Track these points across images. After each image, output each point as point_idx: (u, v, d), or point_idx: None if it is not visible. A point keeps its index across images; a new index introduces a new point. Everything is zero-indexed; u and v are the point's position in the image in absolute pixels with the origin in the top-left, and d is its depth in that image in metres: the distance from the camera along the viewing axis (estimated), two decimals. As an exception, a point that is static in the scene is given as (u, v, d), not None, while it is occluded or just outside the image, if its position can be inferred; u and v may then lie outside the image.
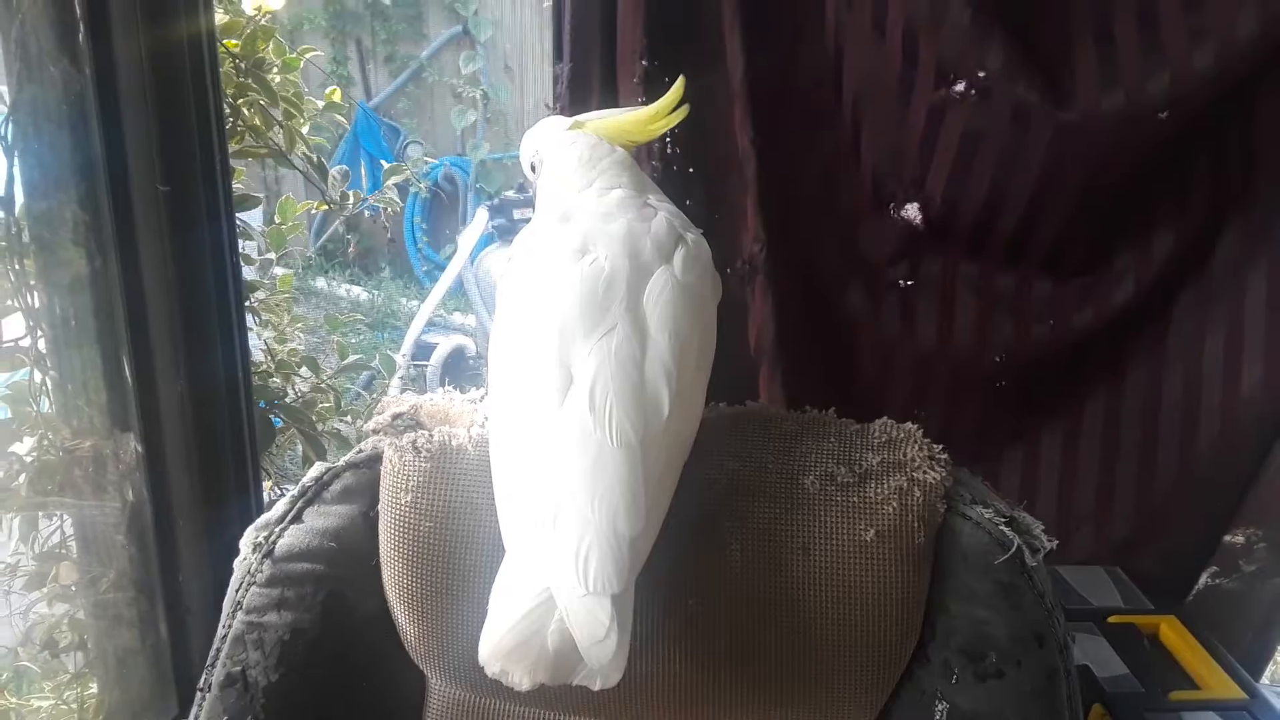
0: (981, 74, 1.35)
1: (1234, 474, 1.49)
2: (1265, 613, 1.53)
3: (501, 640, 0.73)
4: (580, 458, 0.76)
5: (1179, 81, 1.31)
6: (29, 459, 1.29)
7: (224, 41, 1.39)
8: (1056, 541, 0.91)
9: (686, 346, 0.83)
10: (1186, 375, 1.48)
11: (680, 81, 0.99)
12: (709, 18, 1.44)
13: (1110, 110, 1.33)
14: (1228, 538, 1.50)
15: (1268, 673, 1.68)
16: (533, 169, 1.04)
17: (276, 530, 0.94)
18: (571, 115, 1.42)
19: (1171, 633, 1.41)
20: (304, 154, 1.56)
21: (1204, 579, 1.53)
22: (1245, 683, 1.32)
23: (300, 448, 1.59)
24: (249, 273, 1.56)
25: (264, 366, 1.58)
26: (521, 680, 0.73)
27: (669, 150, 1.47)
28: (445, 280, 4.24)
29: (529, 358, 0.82)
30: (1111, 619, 1.43)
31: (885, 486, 0.89)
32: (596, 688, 0.74)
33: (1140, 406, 1.52)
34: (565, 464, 0.76)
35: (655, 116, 1.00)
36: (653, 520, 0.77)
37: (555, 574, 0.73)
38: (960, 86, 1.36)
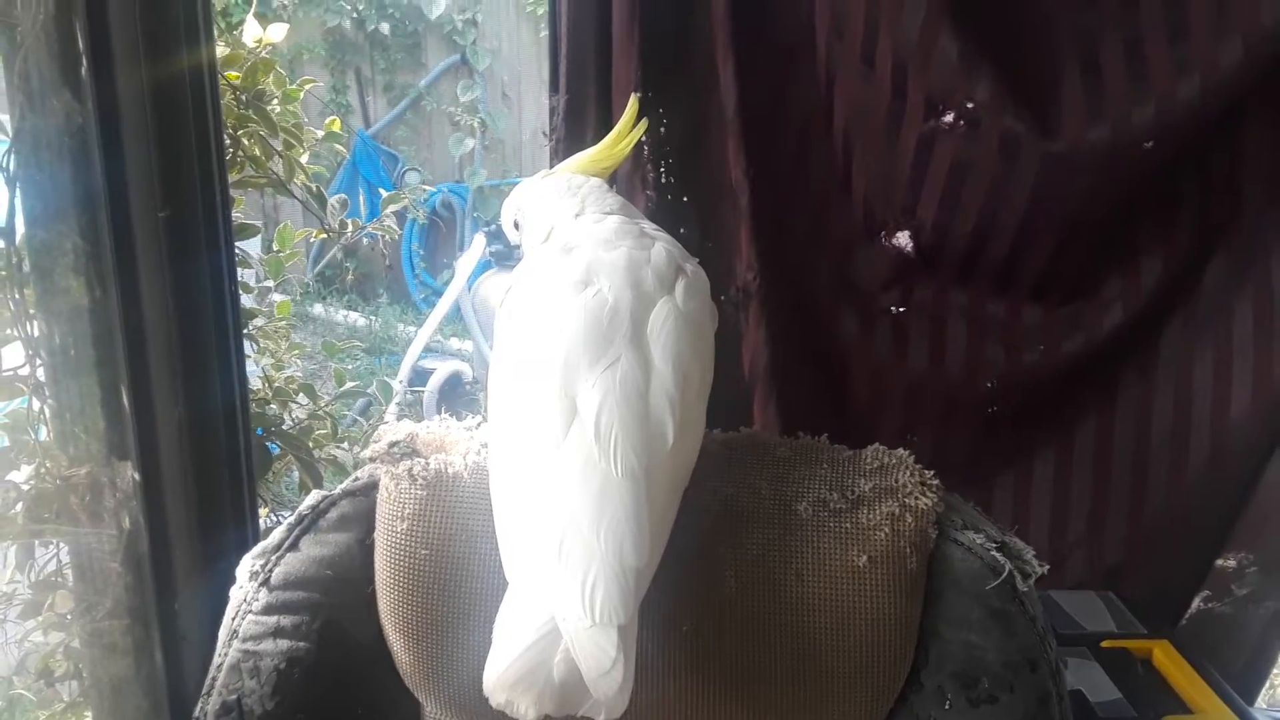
0: (970, 105, 1.37)
1: (1225, 498, 1.50)
2: (1258, 636, 1.53)
3: (507, 671, 0.74)
4: (584, 489, 0.76)
5: (1164, 111, 1.33)
6: (26, 487, 1.29)
7: (225, 74, 1.41)
8: (1048, 566, 0.91)
9: (689, 376, 0.84)
10: (1176, 401, 1.49)
11: (634, 100, 1.03)
12: (702, 50, 1.46)
13: (1097, 140, 1.35)
14: (1219, 562, 1.51)
15: (1262, 696, 1.68)
16: (516, 226, 1.05)
17: (273, 558, 0.94)
18: (567, 146, 1.46)
19: (1165, 657, 1.41)
20: (303, 183, 1.57)
21: (1197, 603, 1.54)
22: (1239, 707, 1.32)
23: (297, 474, 1.60)
24: (247, 300, 1.57)
25: (261, 394, 1.59)
26: (527, 711, 0.74)
27: (663, 180, 1.49)
28: (442, 306, 4.24)
29: (532, 389, 0.82)
30: (1105, 644, 1.43)
31: (877, 512, 0.90)
32: (602, 718, 0.75)
33: (1131, 432, 1.53)
34: (569, 495, 0.76)
35: (618, 139, 1.03)
36: (656, 549, 0.78)
37: (561, 605, 0.73)
38: (949, 117, 1.38)
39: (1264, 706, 1.69)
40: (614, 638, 0.72)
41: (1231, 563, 1.49)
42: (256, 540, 0.97)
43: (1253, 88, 1.35)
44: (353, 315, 5.66)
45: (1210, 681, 1.36)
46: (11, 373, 1.27)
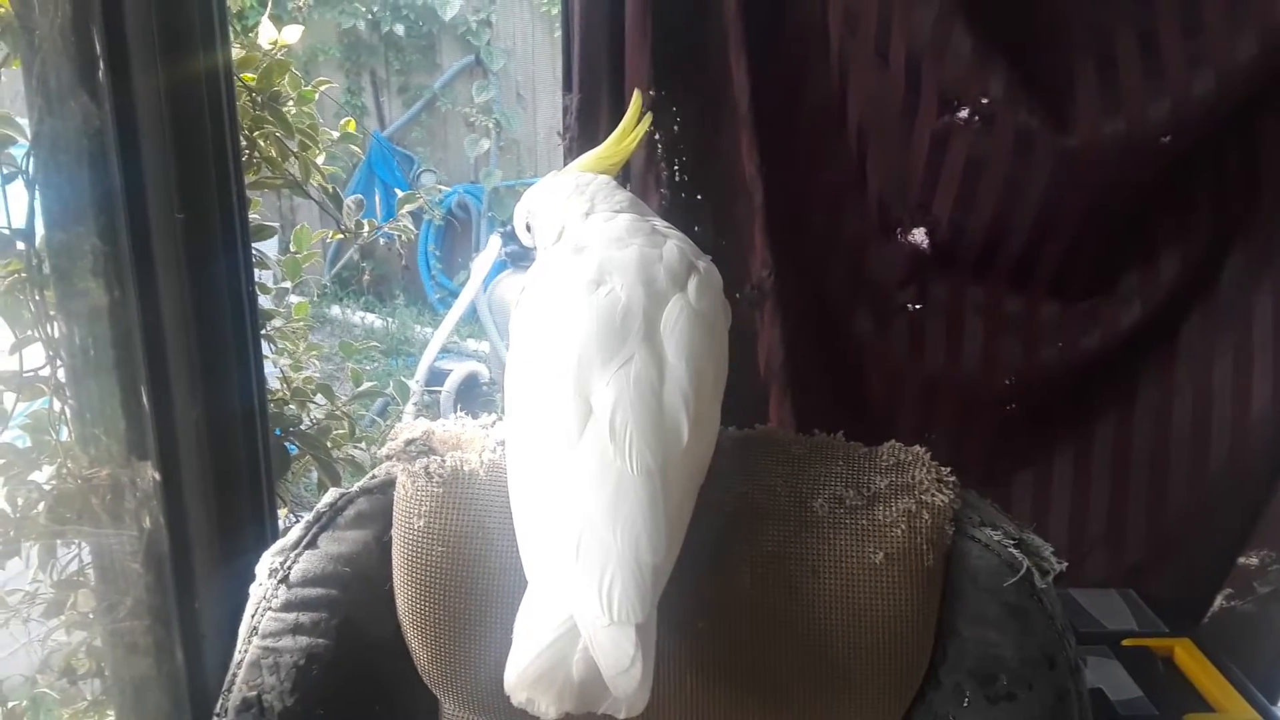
0: (984, 100, 1.36)
1: (1246, 495, 1.48)
2: (1281, 635, 1.52)
3: (527, 669, 0.74)
4: (601, 487, 0.76)
5: (1180, 106, 1.32)
6: (48, 487, 1.31)
7: (241, 75, 1.42)
8: (1066, 564, 0.91)
9: (703, 373, 0.84)
10: (1196, 397, 1.48)
11: (637, 96, 1.04)
12: (715, 47, 1.46)
13: (1112, 135, 1.34)
14: (1242, 560, 1.49)
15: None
16: (528, 229, 1.05)
17: (292, 556, 0.95)
18: (580, 145, 1.46)
19: (1186, 656, 1.41)
20: (319, 184, 1.58)
21: (1219, 601, 1.52)
22: (1261, 706, 1.31)
23: (315, 474, 1.60)
24: (265, 301, 1.57)
25: (280, 394, 1.60)
26: (548, 709, 0.74)
27: (677, 178, 1.49)
28: (459, 307, 4.25)
29: (547, 389, 0.82)
30: (1126, 642, 1.43)
31: (894, 509, 0.90)
32: (622, 716, 0.75)
33: (1151, 429, 1.52)
34: (586, 494, 0.77)
35: (624, 134, 1.04)
36: (673, 547, 0.78)
37: (579, 604, 0.73)
38: (964, 113, 1.38)
39: (1287, 705, 1.67)
40: (632, 636, 0.72)
41: (1254, 560, 1.48)
42: (275, 540, 0.98)
43: (1269, 81, 1.34)
44: (370, 316, 5.69)
45: (1233, 680, 1.35)
46: (32, 374, 1.28)
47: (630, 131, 1.03)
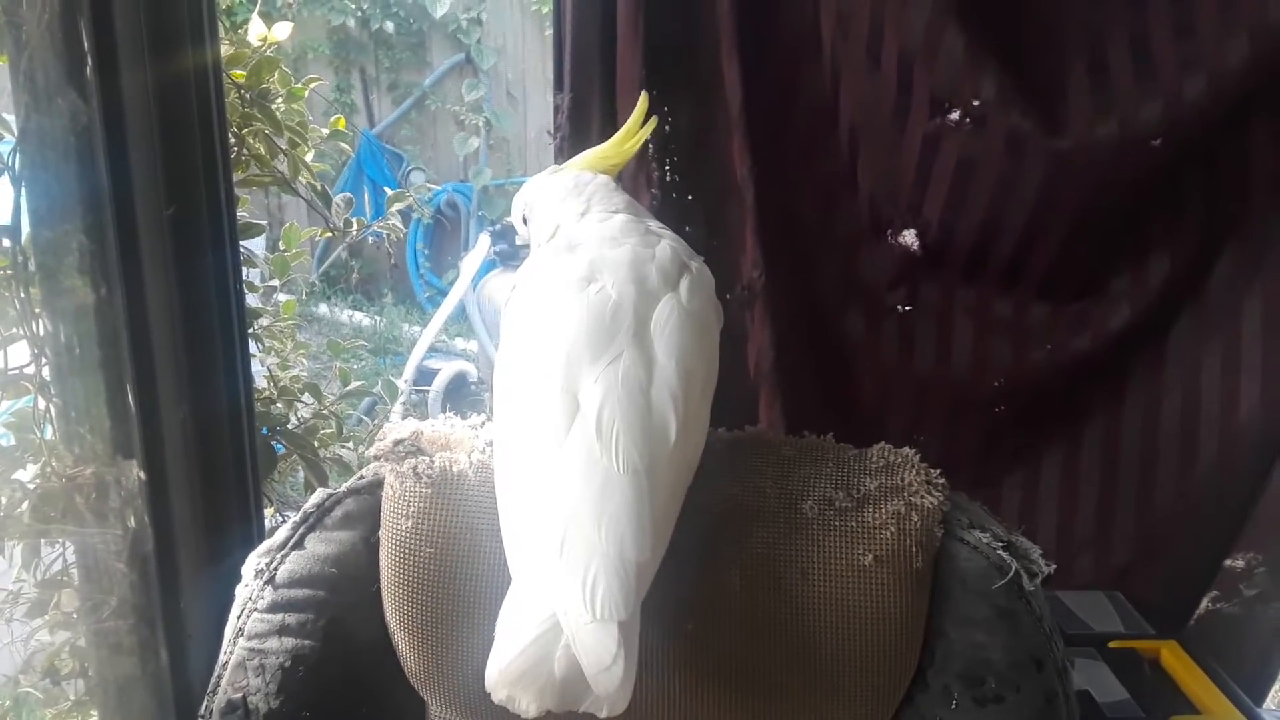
0: (976, 102, 1.36)
1: (1233, 498, 1.49)
2: (1267, 637, 1.53)
3: (508, 666, 0.73)
4: (586, 484, 0.76)
5: (1172, 109, 1.33)
6: (32, 486, 1.30)
7: (230, 72, 1.41)
8: (1054, 566, 0.91)
9: (693, 373, 0.84)
10: (1185, 399, 1.49)
11: (643, 98, 1.02)
12: (707, 47, 1.46)
13: (1103, 138, 1.35)
14: (1228, 562, 1.50)
15: (1270, 697, 1.68)
16: (524, 221, 1.05)
17: (278, 556, 0.94)
18: (571, 145, 1.46)
19: (1173, 658, 1.41)
20: (308, 181, 1.57)
21: (1205, 603, 1.53)
22: (1247, 708, 1.32)
23: (302, 474, 1.60)
24: (252, 300, 1.57)
25: (267, 393, 1.59)
26: (529, 707, 0.74)
27: (669, 178, 1.49)
28: (447, 306, 4.25)
29: (535, 385, 0.82)
30: (1112, 644, 1.43)
31: (883, 511, 0.90)
32: (603, 715, 0.75)
33: (1139, 431, 1.52)
34: (571, 491, 0.76)
35: (627, 136, 1.03)
36: (658, 546, 0.78)
37: (562, 601, 0.73)
38: (955, 115, 1.38)
39: (1272, 707, 1.68)
40: (615, 633, 0.71)
41: (1240, 563, 1.49)
42: (261, 540, 0.97)
43: (1261, 84, 1.34)
44: (358, 315, 5.68)
45: (1218, 682, 1.36)
46: (17, 371, 1.28)
47: (634, 133, 1.02)
